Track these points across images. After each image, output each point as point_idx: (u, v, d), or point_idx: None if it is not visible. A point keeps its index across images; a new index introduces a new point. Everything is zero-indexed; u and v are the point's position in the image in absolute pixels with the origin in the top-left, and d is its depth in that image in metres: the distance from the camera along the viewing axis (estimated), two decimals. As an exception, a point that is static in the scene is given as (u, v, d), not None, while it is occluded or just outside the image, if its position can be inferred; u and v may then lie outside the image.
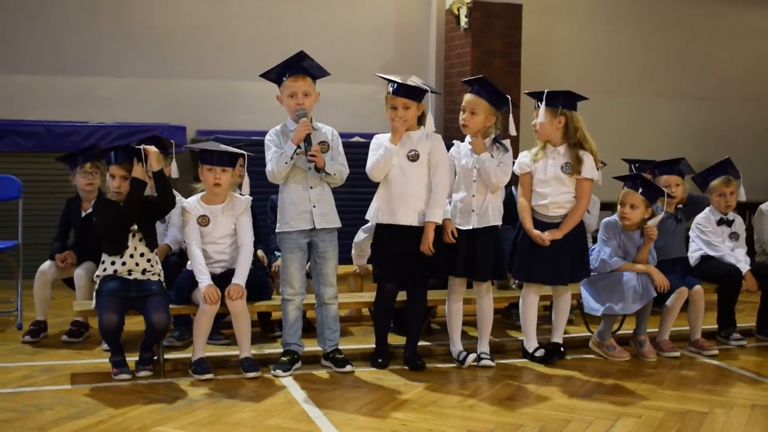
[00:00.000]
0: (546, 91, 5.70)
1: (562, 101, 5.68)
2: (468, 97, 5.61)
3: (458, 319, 5.76)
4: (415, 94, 5.44)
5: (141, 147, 5.30)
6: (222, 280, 5.38)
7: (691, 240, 6.72)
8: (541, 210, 5.75)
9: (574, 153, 5.67)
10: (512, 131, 5.57)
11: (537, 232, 5.70)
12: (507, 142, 5.61)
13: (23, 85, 8.96)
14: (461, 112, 5.62)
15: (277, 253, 5.79)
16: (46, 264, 6.23)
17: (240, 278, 5.36)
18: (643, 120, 11.46)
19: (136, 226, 5.28)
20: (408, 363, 5.58)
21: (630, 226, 5.96)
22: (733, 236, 6.64)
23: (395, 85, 5.42)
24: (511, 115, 5.56)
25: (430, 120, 5.47)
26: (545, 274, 5.75)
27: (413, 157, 5.45)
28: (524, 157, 5.83)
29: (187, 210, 5.42)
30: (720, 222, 6.63)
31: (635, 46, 11.46)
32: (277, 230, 5.51)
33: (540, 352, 5.80)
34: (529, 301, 5.86)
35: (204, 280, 5.28)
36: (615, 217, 6.03)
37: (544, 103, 5.67)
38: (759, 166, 7.07)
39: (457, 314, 5.76)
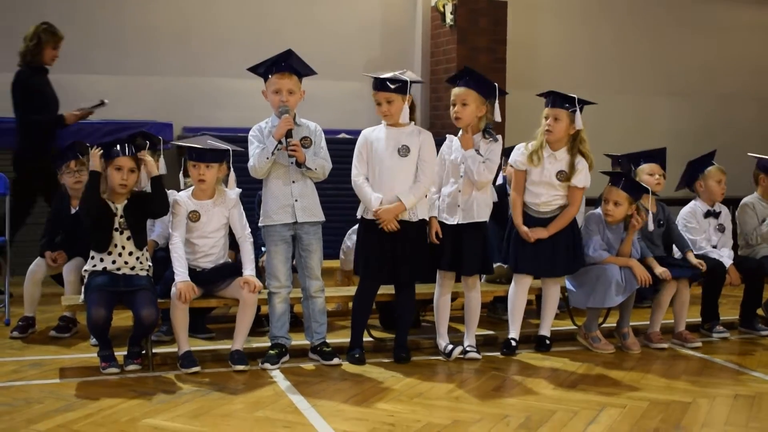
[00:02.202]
0: (576, 97, 5.75)
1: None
2: (456, 89, 5.61)
3: (445, 312, 5.79)
4: (392, 85, 5.42)
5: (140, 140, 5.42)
6: (211, 274, 5.44)
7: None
8: (532, 206, 5.83)
9: (571, 161, 5.73)
10: (497, 118, 5.59)
11: (525, 228, 5.78)
12: (498, 136, 5.67)
13: (9, 83, 8.95)
14: (451, 106, 5.61)
15: (264, 249, 5.82)
16: (36, 262, 6.23)
17: (251, 269, 5.42)
18: (627, 117, 11.51)
19: (123, 220, 5.30)
20: (393, 355, 5.63)
21: (613, 222, 6.02)
22: (720, 228, 6.67)
23: (374, 80, 5.46)
24: (497, 102, 5.58)
25: (406, 110, 5.47)
26: (540, 266, 5.82)
27: (404, 152, 5.46)
28: (520, 155, 5.87)
29: (178, 203, 5.43)
30: (707, 214, 6.64)
31: (622, 42, 11.50)
32: (260, 224, 5.54)
33: (513, 343, 5.85)
34: (519, 292, 5.91)
35: (180, 274, 5.28)
36: (599, 210, 6.08)
37: (578, 111, 5.73)
38: (747, 161, 7.11)
39: (444, 307, 5.78)
